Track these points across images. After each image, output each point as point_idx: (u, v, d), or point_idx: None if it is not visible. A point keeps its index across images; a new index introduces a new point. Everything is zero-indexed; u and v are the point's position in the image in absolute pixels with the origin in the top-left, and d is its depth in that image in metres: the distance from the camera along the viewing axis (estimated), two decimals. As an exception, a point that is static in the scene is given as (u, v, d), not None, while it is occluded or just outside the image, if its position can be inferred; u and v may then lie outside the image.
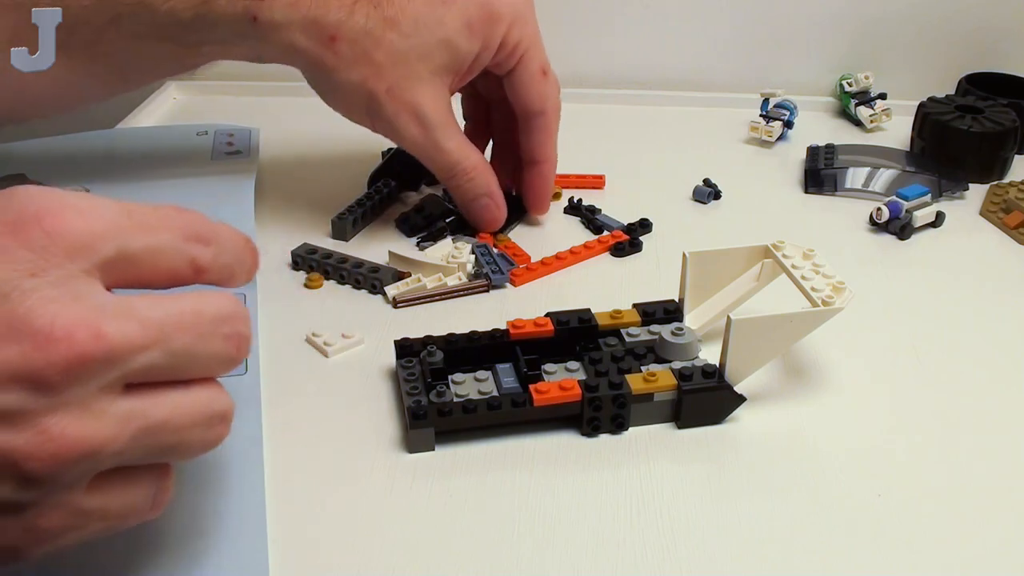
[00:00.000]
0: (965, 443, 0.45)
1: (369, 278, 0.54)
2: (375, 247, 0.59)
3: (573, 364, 0.46)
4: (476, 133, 0.65)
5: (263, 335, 0.50)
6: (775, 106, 0.78)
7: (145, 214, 0.29)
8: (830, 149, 0.73)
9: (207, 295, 0.30)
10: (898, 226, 0.63)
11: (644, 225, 0.62)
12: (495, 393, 0.44)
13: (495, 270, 0.56)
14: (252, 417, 0.43)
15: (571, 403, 0.43)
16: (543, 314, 0.48)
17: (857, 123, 0.81)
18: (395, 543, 0.38)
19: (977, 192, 0.69)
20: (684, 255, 0.48)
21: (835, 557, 0.38)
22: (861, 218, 0.65)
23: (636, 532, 0.39)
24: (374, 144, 0.69)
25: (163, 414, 0.28)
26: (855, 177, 0.69)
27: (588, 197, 0.66)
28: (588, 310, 0.48)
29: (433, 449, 0.43)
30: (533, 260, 0.58)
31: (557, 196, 0.66)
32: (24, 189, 0.28)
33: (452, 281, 0.55)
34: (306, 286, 0.55)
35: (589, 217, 0.63)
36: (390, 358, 0.48)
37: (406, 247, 0.58)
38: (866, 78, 0.82)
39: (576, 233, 0.63)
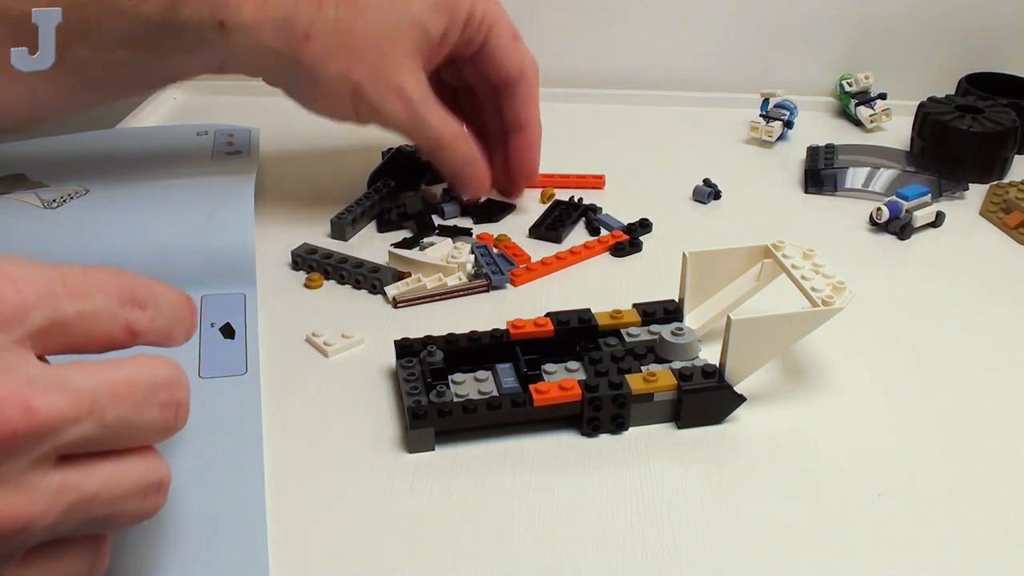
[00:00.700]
0: (965, 443, 0.45)
1: (369, 278, 0.54)
2: (375, 247, 0.59)
3: (573, 364, 0.46)
4: None
5: (263, 335, 0.50)
6: (775, 106, 0.78)
7: (77, 278, 0.29)
8: (830, 149, 0.73)
9: (143, 361, 0.29)
10: (898, 226, 0.63)
11: (644, 225, 0.62)
12: (495, 393, 0.44)
13: (495, 270, 0.56)
14: (252, 417, 0.43)
15: (571, 403, 0.43)
16: (543, 314, 0.48)
17: (857, 123, 0.81)
18: (395, 543, 0.38)
19: (977, 192, 0.69)
20: (684, 255, 0.48)
21: (835, 557, 0.38)
22: (861, 218, 0.65)
23: (636, 532, 0.39)
24: (374, 144, 0.69)
25: (96, 486, 0.28)
26: (855, 177, 0.69)
27: (588, 197, 0.66)
28: (588, 310, 0.48)
29: (433, 449, 0.43)
30: (533, 260, 0.58)
31: (551, 196, 0.66)
32: None
33: (452, 281, 0.55)
34: (306, 286, 0.55)
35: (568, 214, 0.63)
36: (390, 358, 0.48)
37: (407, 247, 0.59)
38: (866, 78, 0.82)
39: (576, 233, 0.63)
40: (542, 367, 0.46)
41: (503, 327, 0.47)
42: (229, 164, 0.66)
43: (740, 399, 0.44)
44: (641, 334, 0.48)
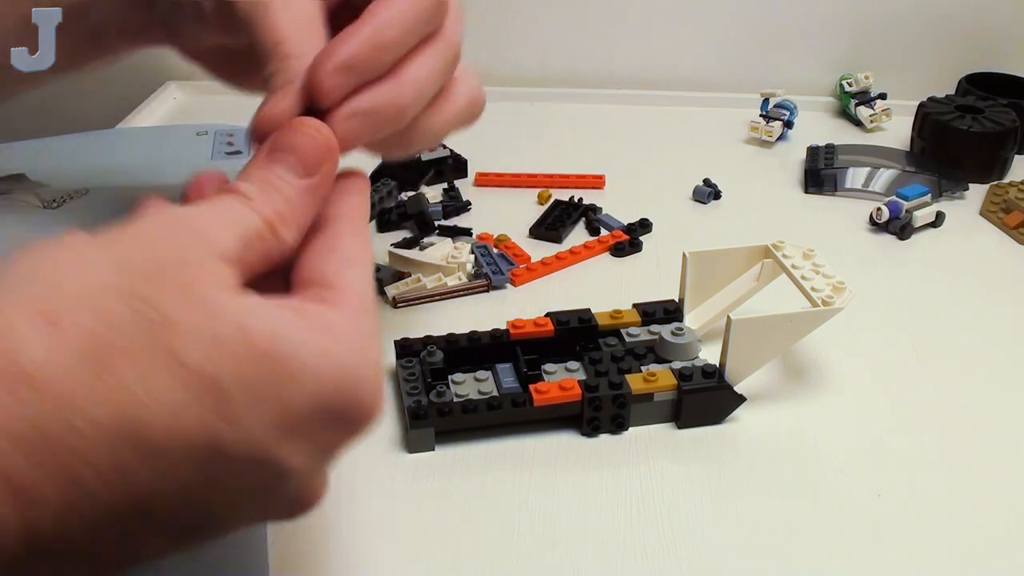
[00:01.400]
0: (965, 443, 0.45)
1: (369, 278, 0.54)
2: (375, 247, 0.59)
3: (573, 364, 0.46)
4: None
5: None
6: (775, 106, 0.78)
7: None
8: (830, 149, 0.73)
9: None
10: (898, 226, 0.63)
11: (644, 225, 0.62)
12: (495, 393, 0.44)
13: (495, 270, 0.56)
14: (252, 417, 0.43)
15: (571, 403, 0.43)
16: (543, 314, 0.48)
17: (857, 123, 0.81)
18: (395, 543, 0.38)
19: (977, 192, 0.69)
20: (684, 255, 0.48)
21: (835, 557, 0.38)
22: (861, 218, 0.65)
23: (636, 532, 0.39)
24: (374, 144, 0.69)
25: None
26: (855, 177, 0.69)
27: (588, 197, 0.66)
28: (588, 310, 0.48)
29: (433, 449, 0.43)
30: (533, 260, 0.58)
31: (547, 197, 0.66)
32: (362, 383, 0.27)
33: (452, 281, 0.55)
34: (306, 286, 0.55)
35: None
36: (390, 358, 0.48)
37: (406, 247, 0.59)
38: (866, 78, 0.82)
39: (576, 233, 0.63)
40: (542, 367, 0.46)
41: (503, 327, 0.47)
42: (229, 164, 0.66)
43: (740, 399, 0.44)
44: (641, 334, 0.48)
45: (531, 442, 0.43)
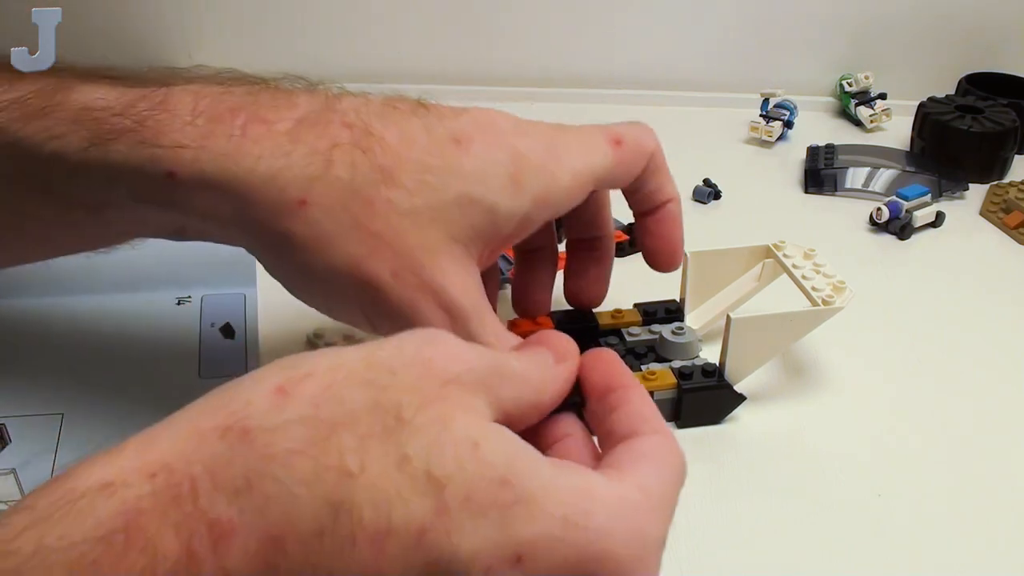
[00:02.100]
0: (965, 443, 0.45)
1: (369, 278, 0.54)
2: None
3: (573, 364, 0.46)
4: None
5: (263, 335, 0.50)
6: (775, 106, 0.78)
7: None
8: (830, 149, 0.73)
9: None
10: (898, 226, 0.63)
11: (644, 225, 0.62)
12: (495, 393, 0.44)
13: (495, 270, 0.56)
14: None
15: (572, 402, 0.43)
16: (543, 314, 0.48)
17: (857, 123, 0.81)
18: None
19: (977, 192, 0.69)
20: (685, 255, 0.48)
21: (835, 557, 0.38)
22: (861, 218, 0.65)
23: (636, 532, 0.39)
24: (374, 144, 0.69)
25: None
26: (855, 177, 0.69)
27: (588, 197, 0.66)
28: (589, 310, 0.48)
29: (433, 449, 0.43)
30: (533, 260, 0.58)
31: None
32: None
33: (452, 281, 0.55)
34: (306, 286, 0.55)
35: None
36: (390, 358, 0.48)
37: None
38: (866, 78, 0.82)
39: (576, 233, 0.63)
40: (542, 367, 0.46)
41: (503, 327, 0.47)
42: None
43: (740, 398, 0.44)
44: (642, 333, 0.48)
45: (531, 442, 0.43)
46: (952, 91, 0.80)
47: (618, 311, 0.49)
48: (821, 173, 0.70)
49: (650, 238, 0.44)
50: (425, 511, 0.24)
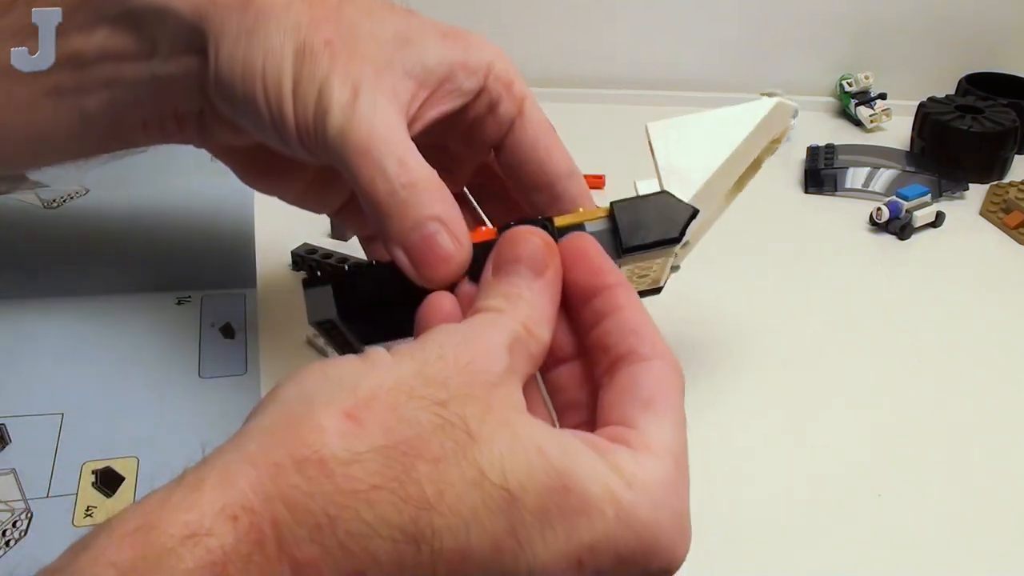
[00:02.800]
0: (965, 443, 0.45)
1: (369, 278, 0.54)
2: (375, 247, 0.59)
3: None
4: None
5: (263, 335, 0.50)
6: (775, 106, 0.78)
7: None
8: (830, 149, 0.73)
9: None
10: (898, 226, 0.63)
11: (644, 225, 0.62)
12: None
13: (495, 270, 0.56)
14: (252, 417, 0.43)
15: None
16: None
17: (857, 123, 0.81)
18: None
19: (977, 192, 0.69)
20: (645, 127, 0.44)
21: (835, 557, 0.38)
22: (861, 218, 0.65)
23: (636, 532, 0.39)
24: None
25: None
26: (855, 177, 0.69)
27: (588, 197, 0.66)
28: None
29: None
30: (533, 260, 0.58)
31: None
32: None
33: (452, 281, 0.55)
34: (306, 286, 0.55)
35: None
36: (390, 358, 0.48)
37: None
38: (866, 78, 0.82)
39: (576, 233, 0.63)
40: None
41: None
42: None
43: (691, 209, 0.37)
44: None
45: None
46: (952, 91, 0.80)
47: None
48: (821, 173, 0.70)
49: (521, 153, 0.41)
50: (499, 528, 0.24)
